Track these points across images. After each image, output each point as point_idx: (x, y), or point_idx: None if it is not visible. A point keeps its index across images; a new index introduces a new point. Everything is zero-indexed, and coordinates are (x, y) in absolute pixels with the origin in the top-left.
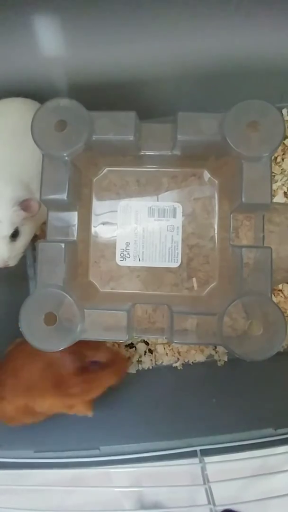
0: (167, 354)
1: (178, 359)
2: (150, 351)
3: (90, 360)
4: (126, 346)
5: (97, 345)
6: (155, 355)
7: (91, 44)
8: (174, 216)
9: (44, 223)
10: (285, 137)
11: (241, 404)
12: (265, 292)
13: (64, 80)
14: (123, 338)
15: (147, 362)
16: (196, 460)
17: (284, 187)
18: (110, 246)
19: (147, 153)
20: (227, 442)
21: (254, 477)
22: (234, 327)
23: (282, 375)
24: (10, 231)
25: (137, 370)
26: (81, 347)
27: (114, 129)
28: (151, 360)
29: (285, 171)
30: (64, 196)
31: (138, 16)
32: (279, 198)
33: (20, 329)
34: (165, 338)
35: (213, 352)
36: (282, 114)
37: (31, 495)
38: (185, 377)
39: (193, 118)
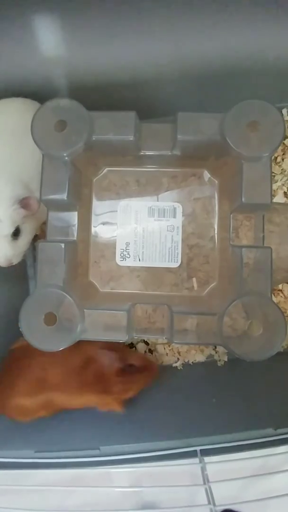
0: (167, 354)
1: (178, 359)
2: (150, 351)
3: (127, 362)
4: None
5: (131, 349)
6: (155, 355)
7: (91, 44)
8: (174, 216)
9: (44, 223)
10: (285, 137)
11: (241, 404)
12: (265, 292)
13: (64, 80)
14: (123, 338)
15: None
16: (196, 460)
17: (284, 187)
18: (110, 246)
19: (147, 153)
20: (227, 442)
21: (254, 477)
22: (234, 327)
23: (282, 375)
24: (11, 230)
25: None
26: (121, 349)
27: (114, 129)
28: None
29: (285, 171)
30: (64, 196)
31: (138, 16)
32: (279, 198)
33: (20, 329)
34: (165, 338)
35: (213, 352)
36: (282, 114)
37: (31, 495)
38: (185, 377)
39: (193, 118)
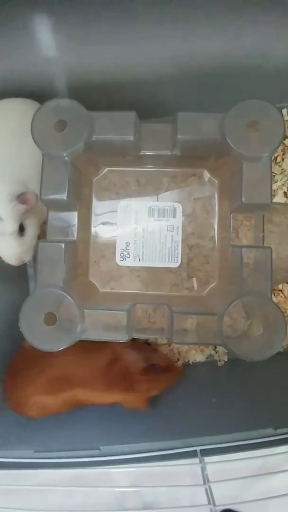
0: (167, 354)
1: (178, 359)
2: None
3: (151, 362)
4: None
5: (155, 349)
6: None
7: (91, 44)
8: (174, 216)
9: (44, 223)
10: (285, 137)
11: (241, 404)
12: (265, 292)
13: (64, 80)
14: (123, 338)
15: None
16: (196, 460)
17: (284, 187)
18: (110, 246)
19: (147, 153)
20: (227, 442)
21: (254, 477)
22: (234, 327)
23: (282, 375)
24: (15, 227)
25: None
26: (144, 349)
27: (114, 129)
28: None
29: (285, 171)
30: (64, 196)
31: (138, 16)
32: (279, 198)
33: (20, 329)
34: (165, 338)
35: (213, 352)
36: (282, 114)
37: (31, 495)
38: (185, 377)
39: (193, 118)
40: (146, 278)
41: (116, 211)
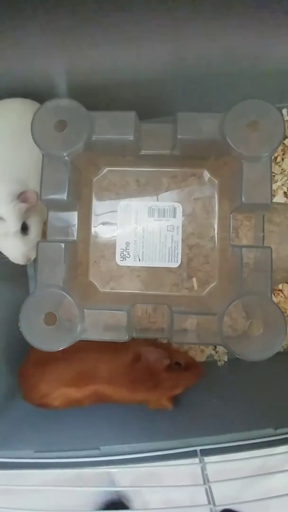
0: None
1: None
2: None
3: (173, 360)
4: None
5: (177, 348)
6: None
7: (91, 43)
8: (174, 216)
9: (44, 223)
10: (285, 137)
11: (241, 404)
12: (265, 292)
13: (64, 80)
14: (123, 338)
15: None
16: (196, 460)
17: (284, 187)
18: (110, 246)
19: (147, 153)
20: (227, 442)
21: (254, 477)
22: (234, 327)
23: (282, 375)
24: (18, 226)
25: None
26: (166, 347)
27: (114, 129)
28: None
29: (285, 171)
30: (64, 196)
31: (138, 16)
32: (279, 198)
33: (20, 329)
34: (165, 338)
35: (213, 352)
36: (282, 114)
37: (31, 495)
38: None
39: (193, 118)
40: (146, 278)
41: (116, 211)
